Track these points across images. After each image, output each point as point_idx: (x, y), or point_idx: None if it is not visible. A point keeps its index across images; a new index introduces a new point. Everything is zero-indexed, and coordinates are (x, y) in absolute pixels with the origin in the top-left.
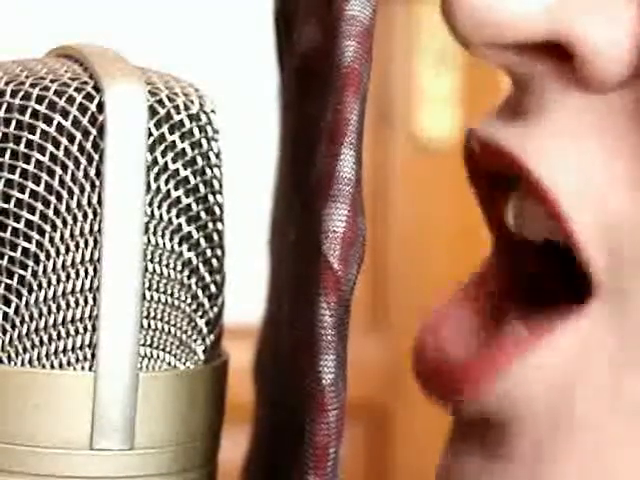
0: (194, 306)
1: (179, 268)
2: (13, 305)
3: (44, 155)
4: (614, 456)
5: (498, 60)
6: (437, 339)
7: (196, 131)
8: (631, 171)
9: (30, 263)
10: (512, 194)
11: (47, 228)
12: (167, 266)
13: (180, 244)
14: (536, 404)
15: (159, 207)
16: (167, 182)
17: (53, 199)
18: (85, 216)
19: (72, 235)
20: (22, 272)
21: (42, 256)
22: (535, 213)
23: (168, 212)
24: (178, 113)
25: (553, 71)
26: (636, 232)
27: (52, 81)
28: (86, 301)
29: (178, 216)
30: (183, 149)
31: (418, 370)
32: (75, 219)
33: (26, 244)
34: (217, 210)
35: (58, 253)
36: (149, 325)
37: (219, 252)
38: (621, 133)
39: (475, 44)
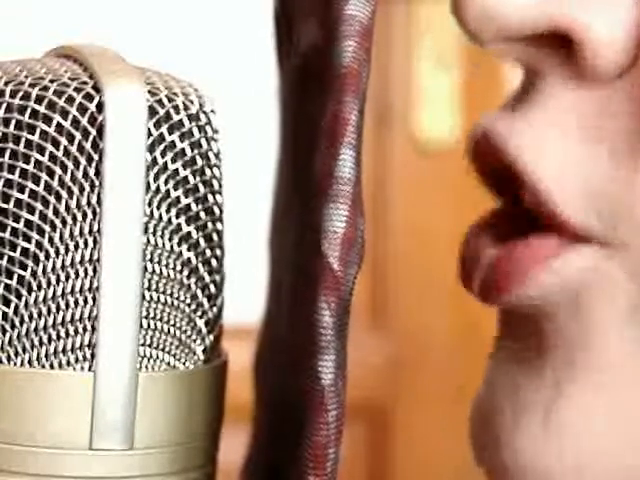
0: (193, 306)
1: (178, 268)
2: (12, 305)
3: (43, 155)
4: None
5: (507, 54)
6: (477, 244)
7: (195, 131)
8: (614, 154)
9: (30, 263)
10: None
11: (46, 228)
12: (166, 266)
13: (179, 244)
14: (561, 304)
15: (158, 207)
16: (166, 182)
17: (52, 199)
18: (84, 216)
19: (71, 235)
20: (21, 272)
21: (41, 256)
22: None
23: (167, 212)
24: (177, 113)
25: (558, 63)
26: (620, 206)
27: (51, 81)
28: (85, 301)
29: (177, 216)
30: (182, 149)
31: (467, 272)
32: (74, 219)
33: (25, 244)
34: (216, 210)
35: (57, 253)
36: (148, 325)
37: (218, 252)
38: (610, 120)
39: (484, 39)
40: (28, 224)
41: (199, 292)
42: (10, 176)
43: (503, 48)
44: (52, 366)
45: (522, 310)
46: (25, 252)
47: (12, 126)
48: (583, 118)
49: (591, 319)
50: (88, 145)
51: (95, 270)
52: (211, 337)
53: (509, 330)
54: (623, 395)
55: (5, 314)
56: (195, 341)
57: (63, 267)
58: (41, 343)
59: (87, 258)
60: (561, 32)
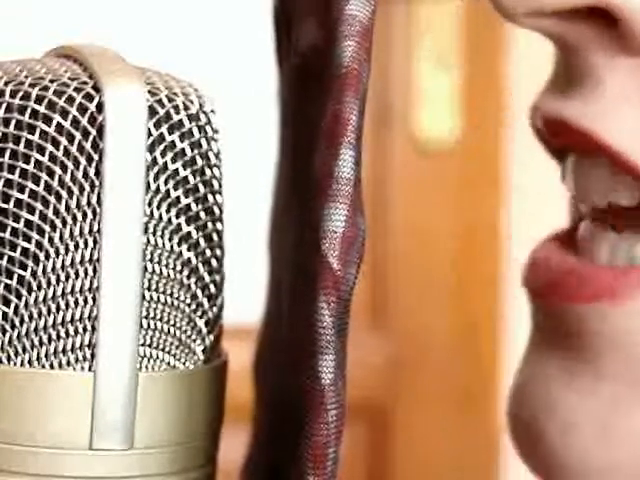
0: (193, 306)
1: (178, 268)
2: (12, 305)
3: (43, 155)
4: None
5: (542, 28)
6: (560, 254)
7: (195, 131)
8: None
9: (30, 263)
10: (568, 161)
11: (46, 228)
12: (166, 266)
13: (179, 244)
14: None
15: (158, 207)
16: (166, 182)
17: (52, 199)
18: (84, 216)
19: (71, 235)
20: (22, 272)
21: (41, 256)
22: (598, 177)
23: (167, 212)
24: (177, 113)
25: (598, 36)
26: None
27: (51, 81)
28: (85, 301)
29: (177, 216)
30: (182, 149)
31: (541, 271)
32: (74, 219)
33: (25, 244)
34: (216, 210)
35: (57, 253)
36: (148, 325)
37: (218, 252)
38: None
39: (519, 14)
40: (28, 224)
41: (199, 292)
42: (10, 176)
43: (536, 23)
44: (52, 366)
45: (583, 317)
46: (25, 252)
47: (12, 126)
48: None
49: None
50: (88, 145)
51: (95, 270)
52: (211, 337)
53: (558, 334)
54: None
55: (5, 314)
56: (195, 341)
57: (63, 267)
58: (41, 343)
59: (87, 258)
60: (600, 6)
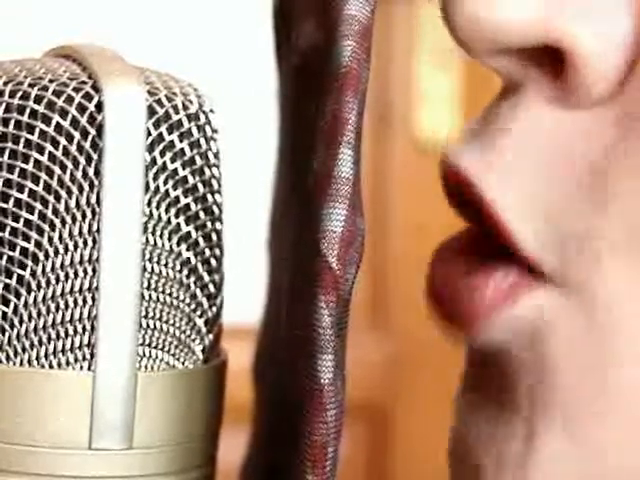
0: (193, 306)
1: (178, 268)
2: (12, 305)
3: (43, 155)
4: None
5: (495, 65)
6: (440, 277)
7: (195, 131)
8: (580, 187)
9: (29, 263)
10: None
11: (46, 228)
12: (166, 266)
13: (179, 244)
14: (520, 347)
15: (158, 207)
16: (166, 182)
17: (52, 199)
18: (84, 216)
19: (71, 235)
20: (21, 272)
21: (41, 256)
22: None
23: (167, 212)
24: (177, 113)
25: (543, 79)
26: (578, 241)
27: (51, 81)
28: (85, 301)
29: (177, 216)
30: (182, 149)
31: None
32: (74, 219)
33: (25, 244)
34: (216, 210)
35: (57, 253)
36: (148, 325)
37: (218, 252)
38: (584, 150)
39: (474, 50)
40: (27, 224)
41: (198, 291)
42: (9, 176)
43: (491, 59)
44: (51, 366)
45: (488, 353)
46: (24, 252)
47: (11, 126)
48: (556, 145)
49: (549, 360)
50: (87, 145)
51: (94, 270)
52: (210, 337)
53: (479, 372)
54: (592, 435)
55: (4, 314)
56: (194, 341)
57: (62, 267)
58: (40, 343)
59: (86, 258)
60: (553, 45)
